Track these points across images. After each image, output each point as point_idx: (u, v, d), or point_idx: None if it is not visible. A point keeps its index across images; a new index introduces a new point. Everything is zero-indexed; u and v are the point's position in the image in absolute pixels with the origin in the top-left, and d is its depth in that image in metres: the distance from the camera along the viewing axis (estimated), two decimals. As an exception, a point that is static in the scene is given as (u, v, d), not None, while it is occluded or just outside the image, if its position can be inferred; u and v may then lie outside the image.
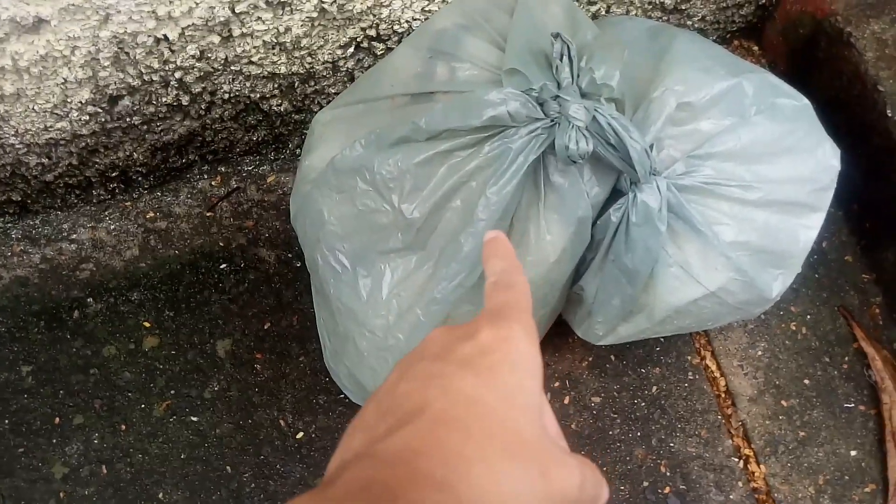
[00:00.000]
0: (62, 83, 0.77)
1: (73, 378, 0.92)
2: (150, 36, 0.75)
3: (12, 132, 0.82)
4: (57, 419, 0.90)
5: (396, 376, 0.30)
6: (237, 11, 0.76)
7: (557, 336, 0.95)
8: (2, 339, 0.93)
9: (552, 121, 0.60)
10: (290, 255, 1.00)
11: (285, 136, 1.00)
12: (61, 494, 0.87)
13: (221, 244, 0.99)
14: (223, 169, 1.02)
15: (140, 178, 0.97)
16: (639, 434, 0.95)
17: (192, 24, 0.75)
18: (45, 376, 0.92)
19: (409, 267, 0.69)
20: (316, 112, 0.96)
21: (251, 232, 1.00)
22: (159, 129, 0.89)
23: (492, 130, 0.61)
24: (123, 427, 0.91)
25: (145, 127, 0.88)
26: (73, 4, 0.69)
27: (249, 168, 1.02)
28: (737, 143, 0.72)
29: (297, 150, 1.03)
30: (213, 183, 1.02)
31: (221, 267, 0.98)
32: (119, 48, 0.75)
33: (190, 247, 0.99)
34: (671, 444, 0.94)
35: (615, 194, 0.69)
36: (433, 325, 0.69)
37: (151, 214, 0.99)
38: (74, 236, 0.98)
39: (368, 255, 0.71)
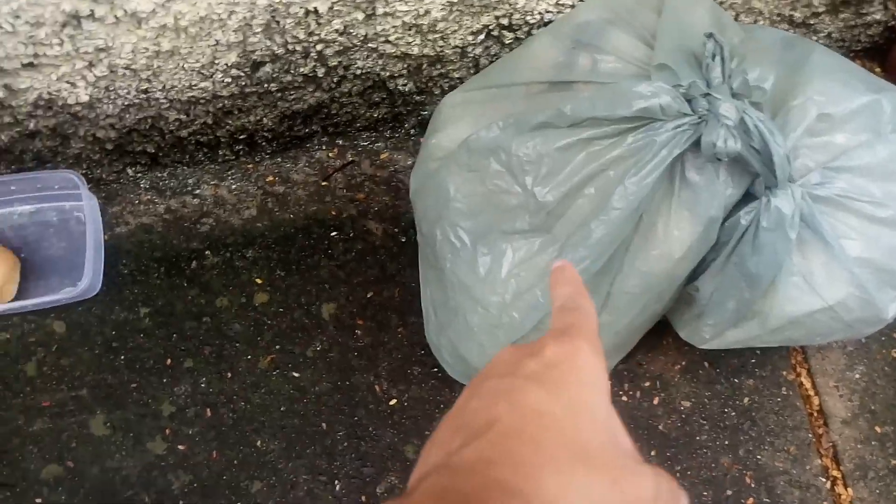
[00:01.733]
0: (213, 45, 0.82)
1: (187, 324, 0.97)
2: (301, 7, 0.79)
3: (160, 87, 0.87)
4: (168, 360, 0.96)
5: (468, 395, 0.30)
6: (378, -11, 0.79)
7: (652, 336, 0.96)
8: (124, 281, 0.99)
9: (700, 118, 0.61)
10: (396, 230, 1.03)
11: (403, 115, 1.03)
12: (167, 431, 0.93)
13: (333, 213, 1.03)
14: (341, 142, 1.06)
15: (264, 143, 1.02)
16: (727, 443, 0.95)
17: (343, -2, 0.79)
18: (161, 319, 0.97)
19: (533, 249, 0.71)
20: (437, 94, 0.99)
21: (362, 204, 1.04)
22: (291, 97, 0.94)
23: (637, 122, 0.62)
24: (229, 375, 0.96)
25: (279, 94, 0.92)
26: (240, -29, 0.73)
27: (365, 143, 1.06)
28: (872, 159, 0.71)
29: (413, 130, 1.06)
30: (330, 154, 1.06)
31: (332, 234, 1.02)
32: (272, 16, 0.79)
33: (304, 212, 1.03)
34: (759, 457, 0.94)
35: (745, 198, 0.70)
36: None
37: (271, 178, 1.04)
38: (198, 192, 1.03)
39: (491, 234, 0.74)
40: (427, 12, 0.84)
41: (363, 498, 0.92)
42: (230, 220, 1.02)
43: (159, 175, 1.03)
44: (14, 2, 0.71)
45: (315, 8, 0.79)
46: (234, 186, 1.04)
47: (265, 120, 0.97)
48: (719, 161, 0.62)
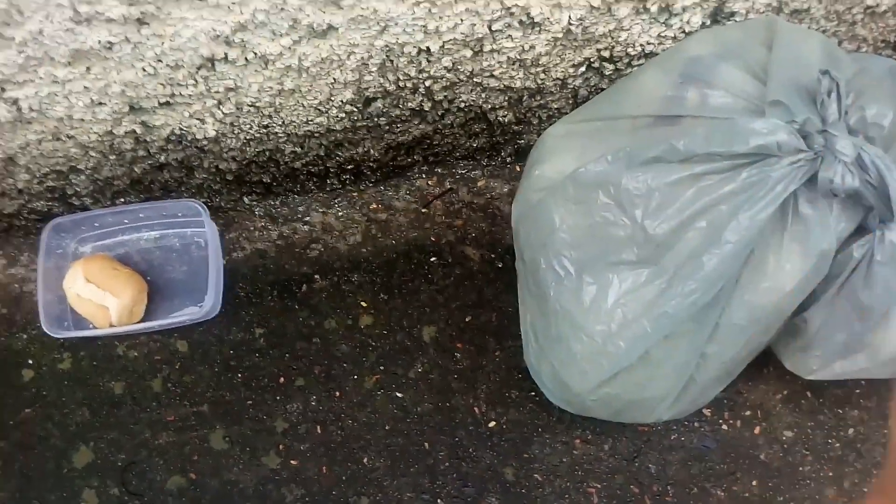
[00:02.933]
0: (331, 83, 0.88)
1: (298, 344, 1.03)
2: (415, 47, 0.84)
3: (279, 122, 0.94)
4: (282, 379, 1.02)
5: None
6: (493, 29, 0.83)
7: (753, 365, 0.95)
8: (241, 303, 1.06)
9: (815, 154, 0.62)
10: (493, 256, 1.06)
11: (501, 144, 1.06)
12: (280, 446, 0.99)
13: (433, 239, 1.07)
14: (440, 170, 1.10)
15: (369, 173, 1.08)
16: (831, 474, 0.93)
17: (453, 38, 0.83)
18: (274, 340, 1.04)
19: (640, 280, 0.72)
20: (535, 124, 1.02)
21: (460, 230, 1.08)
22: (398, 130, 0.98)
23: (751, 158, 0.63)
24: (338, 394, 1.01)
25: (387, 127, 0.97)
26: (361, 15, 0.78)
27: (463, 171, 1.10)
28: None
29: (509, 158, 1.09)
30: (429, 182, 1.10)
31: (431, 260, 1.06)
32: (387, 56, 0.84)
33: (405, 238, 1.08)
34: (865, 489, 0.91)
35: (857, 231, 0.69)
36: (658, 337, 0.73)
37: (374, 206, 1.09)
38: (308, 218, 1.09)
39: (597, 265, 0.76)
40: (532, 47, 0.87)
41: (464, 516, 0.94)
42: (337, 245, 1.08)
43: (272, 203, 1.10)
44: (158, 47, 0.78)
45: (427, 47, 0.84)
46: (340, 213, 1.09)
47: (372, 151, 1.02)
48: (835, 196, 0.62)
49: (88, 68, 0.79)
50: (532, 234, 0.83)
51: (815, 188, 0.64)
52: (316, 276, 1.06)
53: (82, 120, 0.86)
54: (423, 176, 1.10)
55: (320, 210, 1.10)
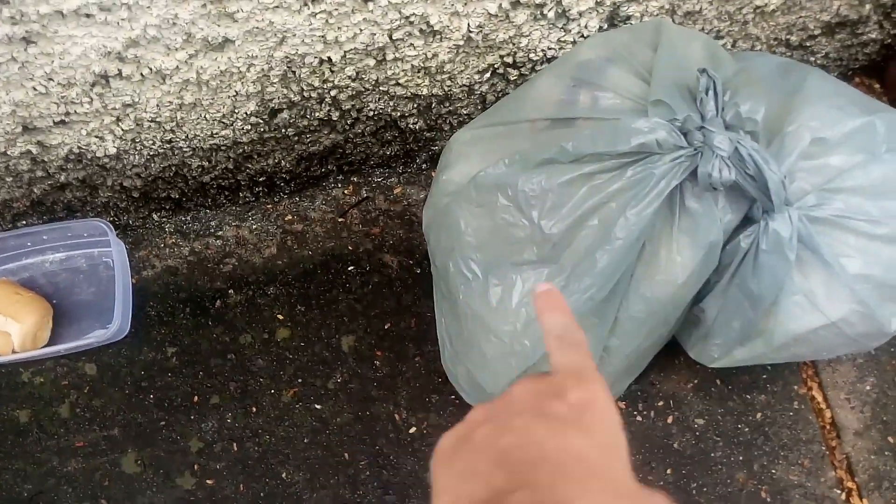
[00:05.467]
0: (233, 96, 0.87)
1: (213, 361, 1.01)
2: (316, 57, 0.84)
3: (183, 137, 0.92)
4: (196, 397, 0.99)
5: (497, 428, 0.32)
6: (394, 38, 0.84)
7: (664, 356, 0.98)
8: (152, 322, 1.03)
9: (695, 150, 0.64)
10: (410, 262, 1.07)
11: (415, 151, 1.07)
12: (195, 466, 0.96)
13: (350, 248, 1.07)
14: (355, 179, 1.10)
15: (282, 184, 1.07)
16: (741, 458, 0.96)
17: (354, 48, 0.83)
18: (187, 358, 1.01)
19: (541, 278, 0.74)
20: (446, 130, 1.03)
21: (377, 238, 1.08)
22: (308, 140, 0.98)
23: (636, 156, 0.66)
24: (254, 409, 0.99)
25: (297, 138, 0.97)
26: (257, 27, 0.78)
27: (379, 180, 1.10)
28: (867, 178, 0.74)
29: (424, 165, 1.10)
30: (345, 192, 1.10)
31: (349, 269, 1.06)
32: (288, 67, 0.84)
33: (322, 248, 1.07)
34: (773, 471, 0.95)
35: (745, 221, 0.73)
36: (562, 334, 0.74)
37: (290, 217, 1.08)
38: (220, 233, 1.08)
39: (501, 266, 0.77)
40: (435, 55, 0.88)
41: (388, 525, 0.94)
42: (252, 259, 1.06)
43: (183, 219, 1.07)
44: (48, 66, 0.76)
45: (329, 57, 0.84)
46: (254, 227, 1.08)
47: (283, 162, 1.01)
48: (716, 189, 0.65)
49: (-28, 86, 0.76)
50: (441, 239, 0.84)
51: (699, 183, 0.67)
52: (230, 291, 1.05)
53: (-31, 139, 0.83)
54: (339, 185, 1.10)
55: (233, 224, 1.08)
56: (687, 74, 0.70)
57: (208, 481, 0.95)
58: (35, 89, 0.78)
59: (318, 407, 0.99)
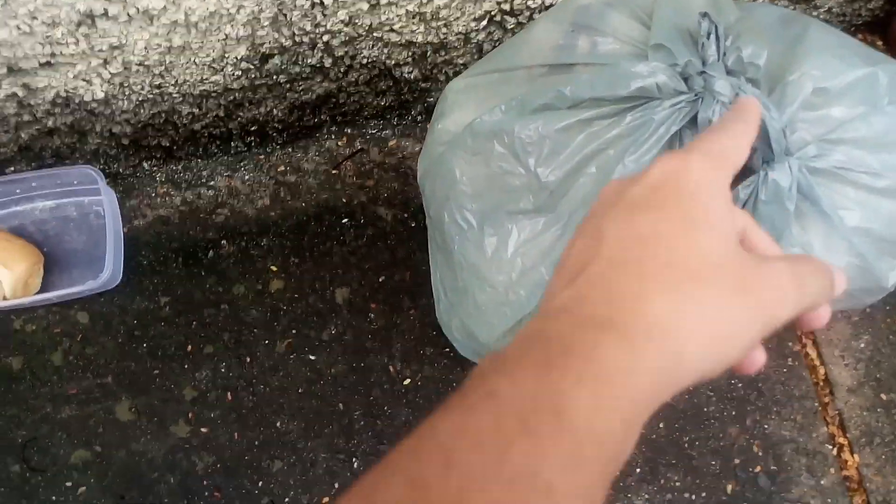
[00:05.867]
0: (223, 39, 0.85)
1: (206, 311, 1.01)
2: (307, 0, 0.81)
3: (172, 82, 0.90)
4: (189, 347, 0.99)
5: (575, 238, 0.29)
6: (387, -21, 0.81)
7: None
8: (144, 272, 1.02)
9: (696, 95, 0.63)
10: (405, 215, 1.05)
11: (410, 102, 1.05)
12: (189, 415, 0.96)
13: (344, 200, 1.06)
14: (349, 130, 1.08)
15: (275, 134, 1.05)
16: (734, 413, 0.97)
17: (349, -11, 0.81)
18: (180, 307, 1.01)
19: (537, 228, 0.73)
20: (441, 81, 1.01)
21: (371, 191, 1.06)
22: (300, 88, 0.96)
23: (635, 102, 0.64)
24: (248, 359, 0.99)
25: (288, 86, 0.95)
26: (247, -34, 0.75)
27: (373, 131, 1.08)
28: (868, 130, 0.72)
29: (419, 117, 1.08)
30: (339, 143, 1.08)
31: (343, 221, 1.05)
32: (279, 9, 0.82)
33: (315, 200, 1.06)
34: (765, 426, 0.96)
35: (744, 172, 0.71)
36: (556, 284, 0.74)
37: (282, 168, 1.07)
38: (212, 183, 1.06)
39: (496, 215, 0.76)
40: (430, 0, 0.86)
41: (381, 475, 0.95)
42: (244, 210, 1.05)
43: (174, 168, 1.06)
44: (31, 3, 0.74)
45: (321, 0, 0.81)
46: (247, 177, 1.06)
47: (275, 111, 1.00)
48: (716, 137, 0.63)
49: (-46, 24, 0.74)
50: (436, 189, 0.83)
51: (698, 130, 0.65)
52: (223, 242, 1.04)
53: (-46, 80, 0.80)
54: (333, 137, 1.08)
55: (225, 174, 1.06)
56: (688, 19, 0.68)
57: (203, 429, 0.96)
58: (19, 28, 0.76)
59: (312, 358, 0.99)
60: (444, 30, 0.91)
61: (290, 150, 1.07)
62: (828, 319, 0.30)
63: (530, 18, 0.93)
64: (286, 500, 0.93)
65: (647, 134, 0.63)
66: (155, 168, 1.05)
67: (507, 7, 0.90)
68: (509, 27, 0.94)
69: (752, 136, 0.32)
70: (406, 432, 0.86)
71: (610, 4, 0.72)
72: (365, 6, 0.84)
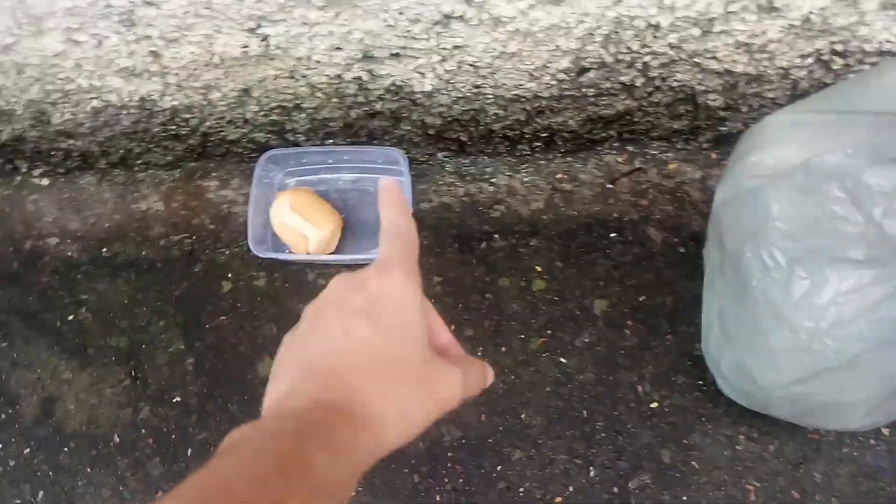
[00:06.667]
0: (552, 50, 0.90)
1: (472, 297, 1.08)
2: (645, 21, 0.84)
3: (491, 84, 0.97)
4: (453, 326, 1.07)
5: (310, 325, 0.36)
6: (729, 10, 0.82)
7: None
8: (423, 251, 1.10)
9: None
10: (675, 240, 1.06)
11: (701, 129, 1.05)
12: (443, 389, 1.04)
13: (615, 215, 1.08)
14: (631, 148, 1.10)
15: (561, 143, 1.10)
16: None
17: (686, 16, 0.83)
18: (450, 289, 1.09)
19: (863, 280, 0.70)
20: (743, 112, 1.00)
21: (644, 210, 1.08)
22: (603, 103, 1.00)
23: None
24: (504, 349, 1.04)
25: (593, 99, 0.99)
26: (601, -14, 0.80)
27: (655, 152, 1.10)
28: None
29: (706, 145, 1.08)
30: (619, 159, 1.11)
31: (611, 235, 1.07)
32: (615, 27, 0.85)
33: (588, 211, 1.09)
34: None
35: None
36: (875, 342, 0.70)
37: (560, 175, 1.12)
38: (494, 180, 1.13)
39: (814, 259, 0.74)
40: (764, 33, 0.85)
41: (615, 489, 0.96)
42: (519, 209, 1.11)
43: (463, 161, 1.14)
44: (404, 0, 0.83)
45: (658, 22, 0.84)
46: (526, 179, 1.12)
47: (571, 121, 1.04)
48: None
49: (338, 14, 0.85)
50: (740, 221, 0.82)
51: None
52: (496, 236, 1.10)
53: (319, 62, 0.93)
54: (614, 152, 1.11)
55: (507, 173, 1.13)
56: None
57: (453, 405, 1.02)
58: (385, 21, 0.86)
59: (563, 360, 1.03)
60: (765, 63, 0.90)
61: (570, 159, 1.12)
62: (489, 382, 0.42)
63: (860, 62, 0.89)
64: (520, 490, 0.98)
65: None
66: (446, 159, 1.14)
67: (839, 48, 0.87)
68: (834, 68, 0.91)
69: (412, 221, 0.41)
70: (646, 455, 0.87)
71: None
72: (697, 32, 0.86)
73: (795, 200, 0.75)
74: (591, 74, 0.94)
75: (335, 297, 0.37)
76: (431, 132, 1.08)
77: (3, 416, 1.11)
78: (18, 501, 1.06)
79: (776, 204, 0.77)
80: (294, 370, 0.35)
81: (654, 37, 0.87)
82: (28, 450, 1.08)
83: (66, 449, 1.08)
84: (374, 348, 0.35)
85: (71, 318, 1.14)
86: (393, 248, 0.39)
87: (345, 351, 0.35)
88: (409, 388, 0.35)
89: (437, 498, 0.99)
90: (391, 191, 0.42)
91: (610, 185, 1.09)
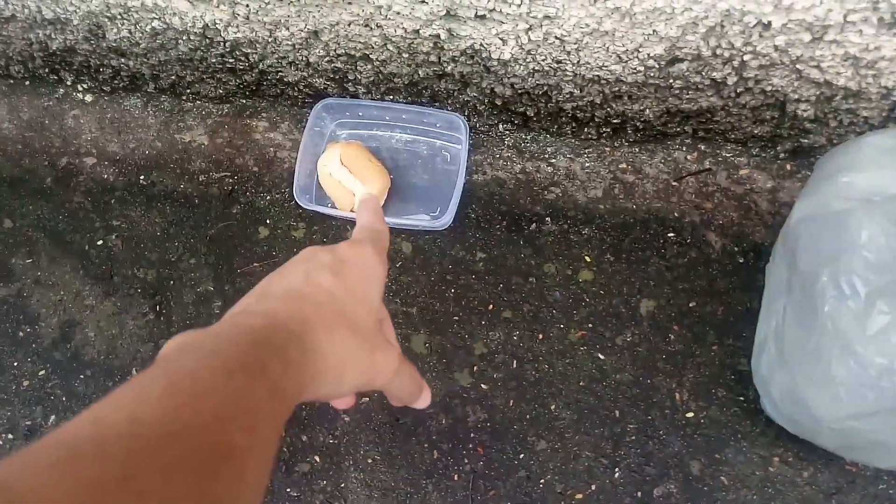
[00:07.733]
0: (649, 34, 0.85)
1: (514, 278, 1.04)
2: (756, 18, 0.79)
3: (574, 61, 0.92)
4: (491, 306, 1.03)
5: (274, 276, 0.38)
6: (847, 20, 0.77)
7: None
8: (470, 224, 1.07)
9: None
10: (736, 249, 1.02)
11: (781, 138, 1.00)
12: (475, 368, 1.01)
13: (676, 214, 1.04)
14: (703, 147, 1.06)
15: (631, 132, 1.05)
16: None
17: (802, 18, 0.77)
18: (493, 267, 1.05)
19: (952, 326, 0.67)
20: (831, 126, 0.95)
21: (707, 214, 1.04)
22: (687, 97, 0.95)
23: None
24: (541, 336, 1.01)
25: (678, 91, 0.94)
26: (716, -27, 0.74)
27: (727, 155, 1.05)
28: None
29: (783, 155, 1.03)
30: (688, 157, 1.06)
31: (669, 235, 1.03)
32: (722, 20, 0.80)
33: (647, 206, 1.05)
34: None
35: None
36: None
37: (624, 165, 1.07)
38: (553, 161, 1.09)
39: (897, 295, 0.70)
40: (878, 48, 0.80)
41: (638, 493, 0.94)
42: (575, 195, 1.07)
43: (523, 137, 1.09)
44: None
45: (769, 21, 0.79)
46: (587, 164, 1.08)
47: (647, 111, 0.99)
48: None
49: (429, -37, 0.80)
50: (819, 242, 0.78)
51: None
52: (547, 219, 1.06)
53: (398, 13, 0.87)
54: (684, 149, 1.06)
55: (568, 156, 1.08)
56: None
57: (483, 385, 1.00)
58: (479, -21, 0.81)
59: (601, 357, 1.00)
60: (870, 80, 0.85)
61: (636, 150, 1.07)
62: (422, 404, 0.42)
63: (970, 92, 0.84)
64: (541, 481, 0.96)
65: None
66: (507, 132, 1.09)
67: (951, 74, 0.82)
68: (939, 95, 0.86)
69: (386, 227, 0.44)
70: (675, 463, 0.84)
71: None
72: (807, 38, 0.80)
73: (888, 231, 0.71)
74: (683, 66, 0.89)
75: (304, 255, 0.39)
76: (498, 102, 1.03)
77: (21, 333, 1.08)
78: (29, 422, 1.04)
79: (866, 231, 0.73)
80: (249, 297, 0.36)
81: (761, 35, 0.82)
82: (43, 371, 1.06)
83: (81, 376, 1.05)
84: (332, 296, 0.36)
85: (100, 242, 1.11)
86: (367, 234, 0.42)
87: (303, 290, 0.36)
88: (353, 345, 0.35)
89: (455, 477, 0.97)
90: (371, 201, 0.47)
91: (675, 183, 1.05)
